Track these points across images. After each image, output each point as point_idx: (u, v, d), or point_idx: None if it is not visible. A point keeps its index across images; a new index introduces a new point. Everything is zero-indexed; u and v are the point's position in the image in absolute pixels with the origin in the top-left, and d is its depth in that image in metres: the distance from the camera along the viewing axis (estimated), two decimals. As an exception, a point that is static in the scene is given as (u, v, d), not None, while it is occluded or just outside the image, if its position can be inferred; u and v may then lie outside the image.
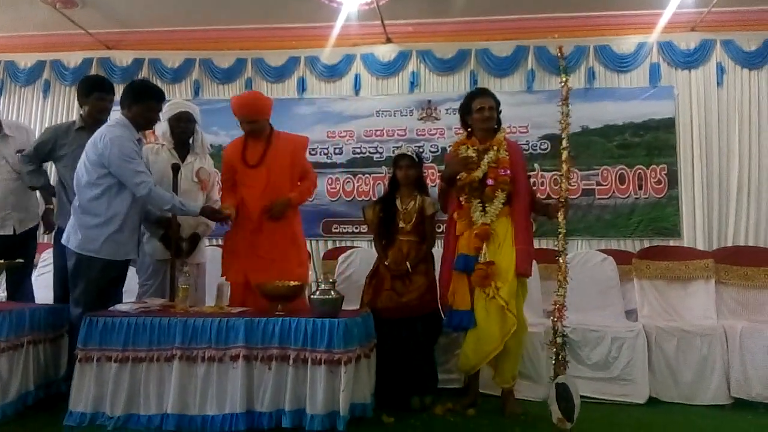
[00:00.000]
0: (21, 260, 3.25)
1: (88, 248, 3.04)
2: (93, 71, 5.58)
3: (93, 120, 3.45)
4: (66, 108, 5.61)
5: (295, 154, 3.56)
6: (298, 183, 3.57)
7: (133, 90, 3.23)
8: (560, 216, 3.06)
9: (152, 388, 2.81)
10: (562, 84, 3.08)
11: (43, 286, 3.85)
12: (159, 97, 3.28)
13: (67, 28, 5.26)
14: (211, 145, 5.11)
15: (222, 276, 3.47)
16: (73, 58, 5.65)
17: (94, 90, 3.49)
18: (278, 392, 2.78)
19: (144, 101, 3.19)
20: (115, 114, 3.29)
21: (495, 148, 3.26)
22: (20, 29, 5.40)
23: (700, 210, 4.85)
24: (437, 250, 3.57)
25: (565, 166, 3.04)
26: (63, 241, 3.14)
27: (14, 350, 2.90)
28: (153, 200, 3.12)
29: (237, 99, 3.55)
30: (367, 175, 5.26)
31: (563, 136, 3.05)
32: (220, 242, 3.93)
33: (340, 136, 5.34)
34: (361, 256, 4.40)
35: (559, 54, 3.19)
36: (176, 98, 5.27)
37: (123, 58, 5.61)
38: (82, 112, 3.55)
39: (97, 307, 3.02)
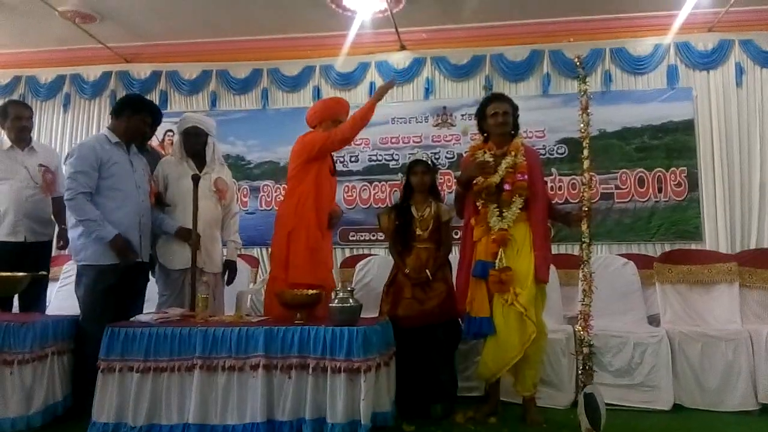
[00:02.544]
0: (44, 272, 3.29)
1: (79, 258, 3.15)
2: (112, 84, 5.68)
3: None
4: (86, 121, 5.71)
5: None
6: None
7: (126, 102, 3.43)
8: (584, 225, 3.02)
9: (174, 398, 2.82)
10: (582, 94, 3.05)
11: (64, 297, 3.90)
12: (152, 112, 3.47)
13: (86, 42, 5.35)
14: (229, 155, 5.22)
15: (289, 280, 3.38)
16: (92, 72, 5.74)
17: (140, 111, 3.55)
18: (298, 401, 2.77)
19: (138, 112, 3.37)
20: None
21: (512, 153, 3.24)
22: (40, 44, 5.50)
23: (722, 212, 4.78)
24: (453, 257, 3.56)
25: (587, 175, 3.01)
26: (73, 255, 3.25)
27: (38, 361, 2.93)
28: (73, 208, 3.13)
29: (331, 102, 3.80)
30: (384, 183, 5.26)
31: (584, 144, 3.02)
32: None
33: (355, 144, 5.32)
34: (379, 263, 4.39)
35: (577, 62, 3.17)
36: (193, 110, 5.35)
37: (141, 70, 5.69)
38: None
39: (103, 317, 3.02)
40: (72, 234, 3.21)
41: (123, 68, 5.71)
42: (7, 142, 3.69)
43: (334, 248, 5.13)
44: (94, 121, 5.64)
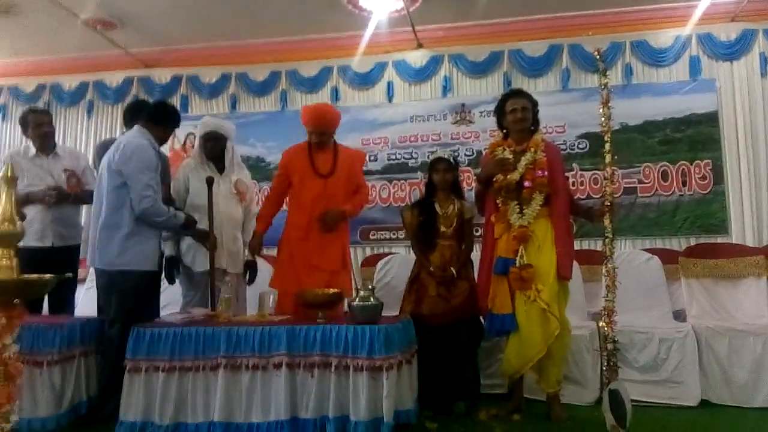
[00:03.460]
0: (70, 274, 3.32)
1: (117, 263, 3.12)
2: (134, 90, 5.78)
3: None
4: (109, 127, 5.82)
5: (353, 168, 3.63)
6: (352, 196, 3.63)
7: (169, 112, 3.43)
8: (606, 220, 2.99)
9: (199, 397, 2.86)
10: (602, 87, 3.01)
11: (92, 299, 3.95)
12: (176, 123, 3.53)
13: (108, 48, 5.45)
14: (249, 157, 5.26)
15: (271, 285, 3.52)
16: (114, 78, 5.86)
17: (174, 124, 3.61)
18: (322, 399, 2.79)
19: (173, 126, 3.44)
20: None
21: (532, 149, 3.21)
22: (63, 52, 5.61)
23: (749, 205, 4.71)
24: (474, 254, 3.54)
25: (609, 170, 2.98)
26: (89, 263, 3.24)
27: (66, 362, 3.00)
28: (153, 214, 3.14)
29: (311, 110, 3.59)
30: (403, 181, 5.27)
31: (606, 139, 2.98)
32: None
33: (374, 143, 5.37)
34: (399, 261, 4.39)
35: (597, 56, 3.13)
36: (213, 113, 5.42)
37: (162, 75, 5.78)
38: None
39: (135, 321, 3.04)
40: (106, 237, 3.15)
41: (144, 74, 5.81)
42: (33, 150, 3.76)
43: (355, 247, 5.19)
44: (117, 127, 5.74)
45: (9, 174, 1.81)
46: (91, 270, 4.50)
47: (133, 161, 3.14)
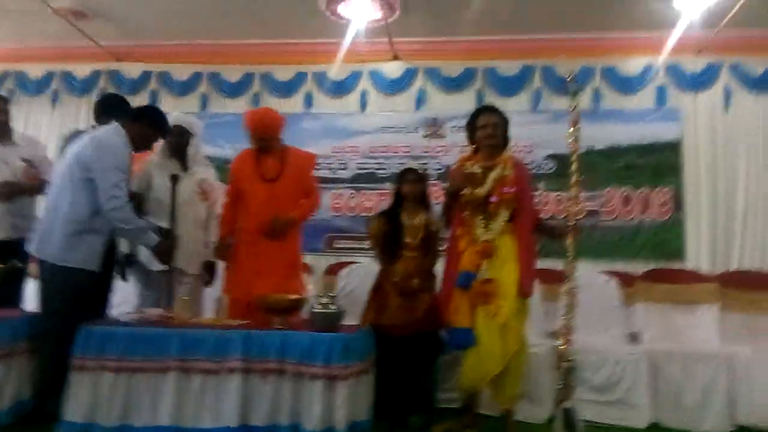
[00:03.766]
0: (20, 264, 3.20)
1: (62, 257, 3.01)
2: (102, 83, 5.65)
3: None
4: (74, 118, 5.65)
5: (303, 172, 3.59)
6: (302, 200, 3.58)
7: (147, 110, 3.31)
8: (569, 240, 3.02)
9: (147, 400, 2.77)
10: (572, 108, 3.06)
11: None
12: (165, 130, 3.36)
13: (77, 39, 5.31)
14: (216, 158, 5.17)
15: (223, 292, 3.47)
16: (82, 70, 5.71)
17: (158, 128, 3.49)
18: (275, 406, 2.73)
19: (154, 126, 3.26)
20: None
21: (501, 165, 3.23)
22: (30, 40, 5.46)
23: (706, 232, 4.84)
24: (438, 267, 3.54)
25: (574, 191, 3.02)
26: (33, 250, 3.08)
27: (10, 358, 2.88)
28: (119, 218, 3.03)
29: (251, 116, 3.51)
30: (371, 192, 5.26)
31: (573, 159, 3.03)
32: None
33: (345, 152, 5.36)
34: (363, 271, 4.36)
35: (569, 79, 3.19)
36: (183, 111, 5.31)
37: (131, 70, 5.66)
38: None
39: (74, 319, 2.91)
40: (55, 232, 3.03)
41: (114, 67, 5.68)
42: None
43: (318, 255, 5.16)
44: (82, 119, 5.60)
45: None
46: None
47: (105, 158, 3.03)
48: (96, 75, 5.67)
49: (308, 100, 5.49)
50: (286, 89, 5.53)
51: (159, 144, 3.58)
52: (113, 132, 3.17)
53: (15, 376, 2.91)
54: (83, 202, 3.04)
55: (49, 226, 3.07)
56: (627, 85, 5.15)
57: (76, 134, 3.67)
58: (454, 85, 5.34)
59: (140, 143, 3.26)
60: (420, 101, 5.38)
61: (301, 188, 3.56)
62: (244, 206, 3.51)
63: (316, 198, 3.72)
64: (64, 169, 3.14)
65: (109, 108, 3.53)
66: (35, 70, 5.74)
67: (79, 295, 3.03)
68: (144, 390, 2.79)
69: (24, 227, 3.62)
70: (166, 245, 3.18)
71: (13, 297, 3.53)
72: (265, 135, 3.46)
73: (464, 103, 5.28)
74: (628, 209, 4.94)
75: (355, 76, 5.45)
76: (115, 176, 3.04)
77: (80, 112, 5.66)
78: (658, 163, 4.97)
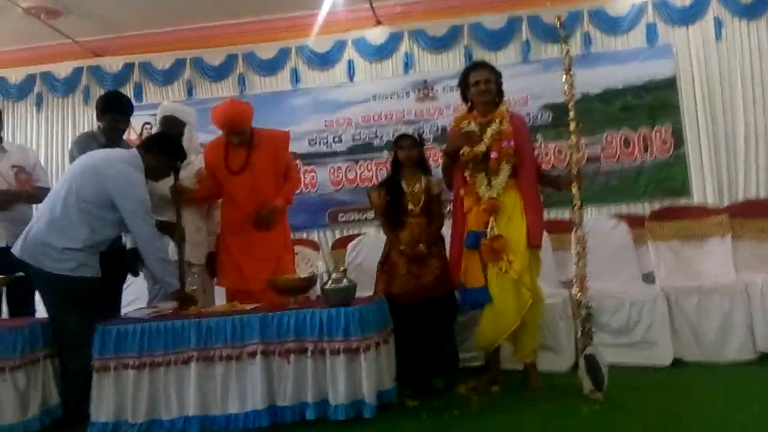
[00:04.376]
0: (22, 274, 3.17)
1: (64, 267, 2.95)
2: (84, 80, 5.56)
3: (107, 138, 3.45)
4: (61, 120, 5.59)
5: (278, 154, 3.55)
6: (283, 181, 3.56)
7: (163, 140, 3.22)
8: (574, 188, 2.99)
9: (172, 392, 2.79)
10: (564, 55, 3.00)
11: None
12: (180, 158, 3.26)
13: (54, 38, 5.22)
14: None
15: (216, 284, 3.48)
16: (62, 69, 5.61)
17: (108, 110, 3.47)
18: (299, 385, 2.75)
19: (172, 156, 3.18)
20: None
21: (497, 120, 3.19)
22: (6, 44, 5.35)
23: (709, 167, 4.79)
24: (446, 230, 3.52)
25: (574, 138, 2.98)
26: (25, 257, 2.99)
27: (31, 365, 2.88)
28: (157, 246, 3.05)
29: (218, 115, 3.41)
30: (369, 161, 5.21)
31: (570, 107, 2.98)
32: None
33: (338, 124, 5.29)
34: (369, 242, 4.36)
35: (558, 23, 3.12)
36: (168, 100, 5.24)
37: (112, 64, 5.56)
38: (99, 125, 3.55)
39: (90, 322, 2.92)
40: (53, 244, 2.95)
41: (94, 62, 5.58)
42: None
43: (323, 230, 5.14)
44: (69, 119, 5.53)
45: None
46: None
47: (131, 194, 2.99)
48: (77, 72, 5.57)
49: (295, 76, 5.40)
50: (271, 67, 5.43)
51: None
52: (135, 165, 3.07)
53: (40, 383, 2.90)
54: (88, 226, 2.97)
55: (48, 237, 2.97)
56: (616, 25, 5.05)
57: (90, 136, 3.59)
58: (440, 44, 5.25)
59: (153, 173, 3.17)
60: (408, 65, 5.28)
61: (279, 171, 3.53)
62: (225, 198, 3.49)
63: (296, 178, 3.71)
64: (71, 184, 3.01)
65: (109, 105, 3.47)
66: (15, 75, 5.65)
67: (83, 299, 3.00)
68: (167, 383, 2.81)
69: (19, 233, 3.56)
70: (184, 295, 3.13)
71: (25, 306, 3.51)
72: (235, 129, 3.40)
73: (453, 62, 5.22)
74: (628, 151, 4.89)
75: (339, 47, 5.35)
76: (146, 211, 3.03)
77: (66, 112, 5.59)
78: (655, 102, 4.90)
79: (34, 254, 2.98)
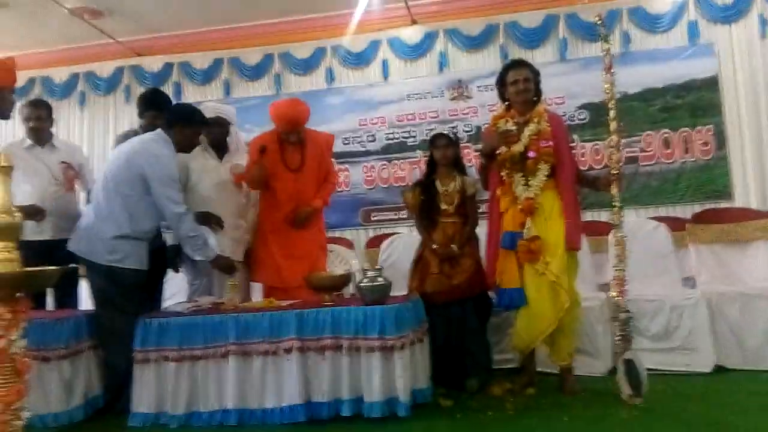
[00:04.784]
0: (74, 265, 3.27)
1: (118, 259, 3.05)
2: (125, 79, 5.70)
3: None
4: (103, 118, 5.74)
5: (323, 155, 3.60)
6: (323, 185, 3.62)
7: (185, 112, 3.27)
8: (614, 189, 2.95)
9: (211, 385, 2.85)
10: (605, 53, 2.96)
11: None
12: (203, 123, 3.31)
13: (97, 38, 5.36)
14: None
15: (252, 280, 3.53)
16: (105, 68, 5.76)
17: (148, 108, 3.54)
18: (335, 382, 2.77)
19: (194, 125, 3.23)
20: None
21: (535, 119, 3.16)
22: (52, 44, 5.51)
23: (752, 169, 4.67)
24: (480, 230, 3.50)
25: (615, 138, 2.93)
26: (79, 251, 3.11)
27: (75, 356, 2.97)
28: (185, 226, 3.09)
29: (281, 112, 3.44)
30: (403, 161, 5.21)
31: (610, 105, 2.93)
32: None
33: (372, 124, 5.30)
34: (403, 241, 4.37)
35: (598, 21, 3.07)
36: (207, 99, 5.32)
37: (153, 63, 5.68)
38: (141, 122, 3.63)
39: (134, 315, 3.01)
40: (102, 235, 3.08)
41: (135, 62, 5.71)
42: (28, 141, 3.69)
43: (356, 229, 5.17)
44: (110, 117, 5.67)
45: (5, 163, 1.74)
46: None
47: (160, 170, 3.06)
48: (119, 72, 5.72)
49: (330, 75, 5.43)
50: (307, 66, 5.48)
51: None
52: (161, 140, 3.16)
53: (83, 374, 3.00)
54: (129, 210, 3.08)
55: (96, 228, 3.10)
56: (656, 23, 4.95)
57: (129, 135, 3.66)
58: (475, 43, 5.21)
59: (183, 146, 3.25)
60: (443, 64, 5.27)
61: (322, 173, 3.58)
62: (268, 195, 3.52)
63: (334, 182, 3.76)
64: (107, 173, 3.16)
65: (150, 103, 3.54)
66: (59, 74, 5.81)
67: (131, 291, 3.10)
68: (206, 376, 2.86)
69: (68, 228, 3.65)
70: (225, 260, 3.22)
71: (70, 297, 3.62)
72: (296, 128, 3.44)
73: (488, 60, 5.18)
74: (668, 152, 4.79)
75: (374, 46, 5.37)
76: (173, 186, 3.09)
77: (108, 110, 5.73)
78: (697, 102, 4.79)
79: (86, 247, 3.10)
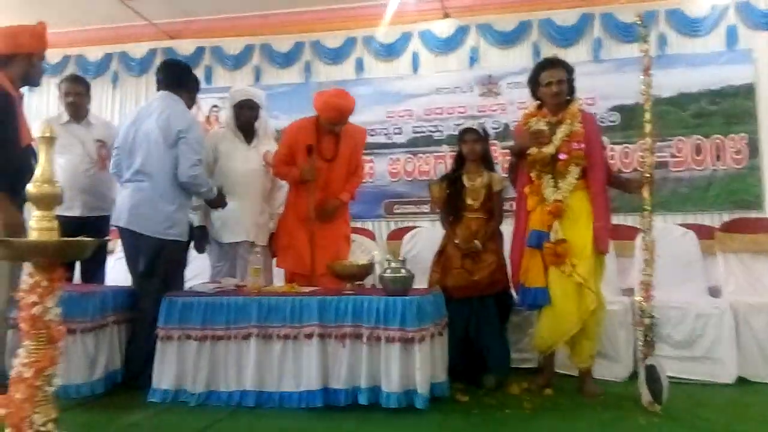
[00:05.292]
0: (108, 238, 3.34)
1: (172, 231, 3.16)
2: (157, 61, 5.70)
3: None
4: (134, 98, 5.80)
5: (356, 149, 3.61)
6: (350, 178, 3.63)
7: (180, 76, 3.44)
8: (645, 192, 2.90)
9: (231, 365, 2.88)
10: (644, 54, 2.91)
11: (121, 270, 3.96)
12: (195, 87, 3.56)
13: (132, 20, 5.40)
14: (273, 129, 5.21)
15: (276, 265, 3.55)
16: (138, 50, 5.82)
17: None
18: (353, 370, 2.79)
19: (191, 90, 3.48)
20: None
21: (568, 120, 3.11)
22: (87, 23, 5.56)
23: (785, 180, 4.56)
24: (506, 228, 3.48)
25: (648, 140, 2.88)
26: (130, 225, 3.18)
27: (100, 330, 3.03)
28: (200, 183, 3.22)
29: (329, 102, 3.40)
30: (428, 155, 5.19)
31: (646, 107, 2.89)
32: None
33: (399, 116, 5.29)
34: (425, 235, 4.36)
35: (638, 20, 3.02)
36: (239, 84, 5.34)
37: (186, 47, 5.73)
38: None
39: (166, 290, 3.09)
40: (157, 205, 3.16)
41: (168, 45, 5.76)
42: (65, 117, 3.75)
43: (378, 221, 5.16)
44: (143, 98, 5.72)
45: (48, 134, 1.78)
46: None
47: (195, 130, 3.22)
48: (152, 54, 5.77)
49: (359, 66, 5.42)
50: (337, 56, 5.47)
51: (227, 117, 3.66)
52: (183, 104, 3.32)
53: (106, 348, 3.06)
54: (172, 176, 3.18)
55: (154, 202, 3.16)
56: (694, 27, 4.85)
57: None
58: (508, 39, 5.16)
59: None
60: (473, 59, 5.22)
61: (352, 165, 3.58)
62: (298, 183, 3.52)
63: (361, 175, 3.77)
64: (156, 137, 3.19)
65: (174, 75, 3.56)
66: (94, 53, 5.89)
67: (178, 265, 3.24)
68: (227, 356, 2.89)
69: (97, 206, 3.72)
70: (220, 197, 3.36)
71: (97, 273, 3.68)
72: (340, 120, 3.44)
73: (519, 57, 5.13)
74: (699, 158, 4.71)
75: (405, 38, 5.34)
76: (199, 147, 3.23)
77: (140, 91, 5.79)
78: (731, 109, 4.68)
79: (132, 220, 3.17)
